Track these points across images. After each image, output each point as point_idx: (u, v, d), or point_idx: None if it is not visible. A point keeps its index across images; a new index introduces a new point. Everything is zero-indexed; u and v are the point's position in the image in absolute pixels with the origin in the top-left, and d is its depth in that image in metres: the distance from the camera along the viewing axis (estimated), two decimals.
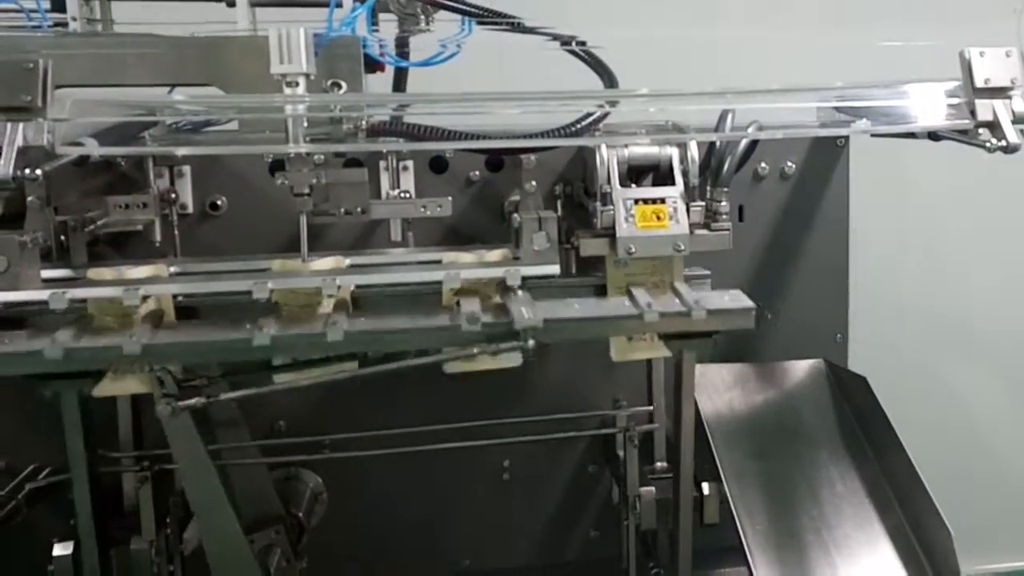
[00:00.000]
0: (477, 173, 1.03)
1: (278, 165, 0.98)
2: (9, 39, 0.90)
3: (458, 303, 0.77)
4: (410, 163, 1.00)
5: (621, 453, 0.99)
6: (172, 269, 0.79)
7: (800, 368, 1.06)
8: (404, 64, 1.07)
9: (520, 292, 0.77)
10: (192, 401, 0.72)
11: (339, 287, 0.75)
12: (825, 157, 1.11)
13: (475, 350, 0.74)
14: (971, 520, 0.88)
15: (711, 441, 0.94)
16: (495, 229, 1.00)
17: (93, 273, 0.75)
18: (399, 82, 1.12)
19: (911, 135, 0.88)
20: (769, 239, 1.09)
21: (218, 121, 1.01)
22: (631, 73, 0.95)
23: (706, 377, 1.01)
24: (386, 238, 0.97)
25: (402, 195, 0.96)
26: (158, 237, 0.88)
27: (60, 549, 0.84)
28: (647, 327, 0.77)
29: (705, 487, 0.91)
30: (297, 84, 0.76)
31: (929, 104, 0.82)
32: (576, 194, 0.97)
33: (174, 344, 0.71)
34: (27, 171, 0.67)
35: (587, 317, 0.77)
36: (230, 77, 0.92)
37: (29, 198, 0.74)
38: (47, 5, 1.00)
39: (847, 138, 1.09)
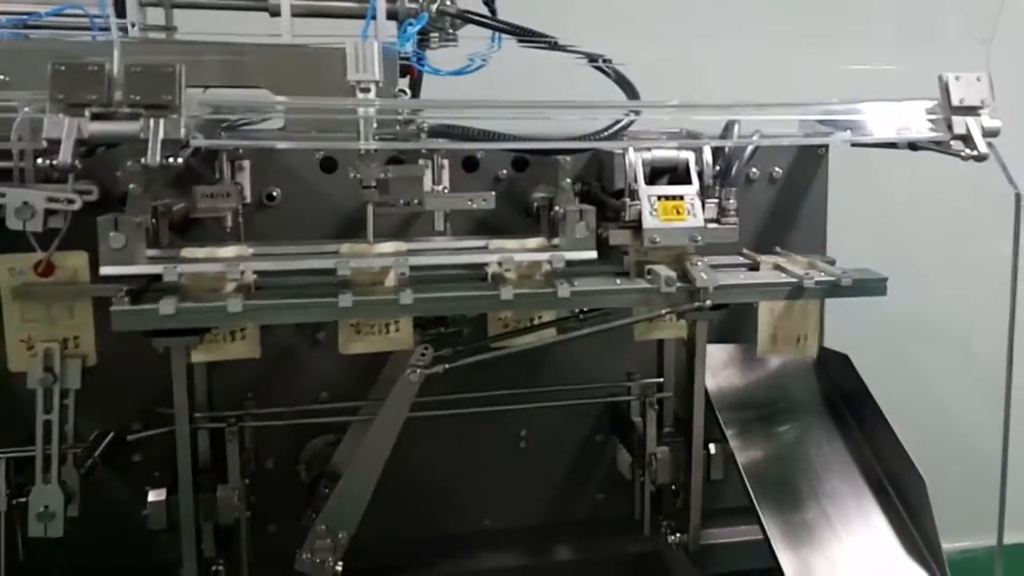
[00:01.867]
0: (504, 171, 1.15)
1: (329, 161, 1.09)
2: (98, 44, 0.99)
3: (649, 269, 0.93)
4: (446, 162, 1.11)
5: (637, 419, 1.12)
6: (251, 251, 0.89)
7: None
8: (441, 73, 1.18)
9: (700, 262, 0.96)
10: (436, 368, 0.86)
11: (409, 267, 0.86)
12: (808, 164, 1.26)
13: (664, 310, 0.91)
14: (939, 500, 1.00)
15: (715, 409, 1.08)
16: (519, 221, 1.12)
17: (187, 252, 0.85)
18: (414, 88, 1.22)
19: (892, 145, 1.04)
20: (758, 234, 1.24)
21: (254, 120, 1.10)
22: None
23: (707, 356, 1.15)
24: (421, 228, 1.08)
25: (443, 190, 1.07)
26: (229, 224, 0.97)
27: (154, 495, 0.91)
28: (803, 293, 0.96)
29: (712, 447, 1.05)
30: (369, 90, 0.86)
31: (909, 119, 0.99)
32: (593, 191, 1.09)
33: (439, 297, 0.86)
34: (170, 160, 0.76)
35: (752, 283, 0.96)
36: (278, 81, 1.02)
37: (131, 186, 0.83)
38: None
39: (827, 147, 1.25)
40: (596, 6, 1.42)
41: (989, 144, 0.96)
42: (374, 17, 1.14)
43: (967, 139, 0.95)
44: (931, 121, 0.98)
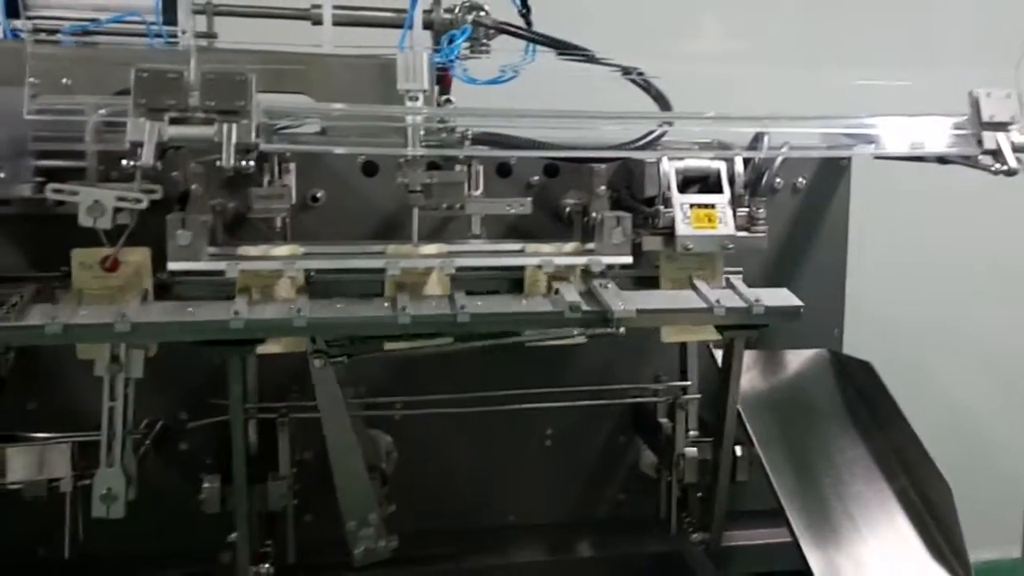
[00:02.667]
0: (536, 178, 1.19)
1: (371, 165, 1.13)
2: (163, 52, 1.05)
3: (551, 288, 0.94)
4: (481, 168, 1.15)
5: (663, 420, 1.15)
6: (303, 250, 0.93)
7: (806, 356, 1.24)
8: (478, 83, 1.22)
9: (610, 285, 0.94)
10: (340, 358, 0.86)
11: (455, 267, 0.90)
12: (831, 175, 1.30)
13: (575, 332, 0.92)
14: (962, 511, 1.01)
15: (741, 412, 1.10)
16: (549, 226, 1.15)
17: (242, 250, 0.89)
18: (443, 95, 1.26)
19: (920, 159, 1.08)
20: (781, 243, 1.27)
21: (294, 125, 1.14)
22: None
23: None
24: (456, 231, 1.11)
25: (479, 194, 1.11)
26: (279, 224, 1.01)
27: (208, 482, 0.96)
28: (715, 320, 0.95)
29: (738, 449, 1.08)
30: (417, 98, 0.91)
31: (934, 133, 1.02)
32: (623, 198, 1.12)
33: (334, 319, 0.86)
34: (243, 163, 0.81)
35: (661, 309, 0.95)
36: (318, 88, 1.07)
37: (193, 186, 0.88)
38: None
39: (850, 159, 1.29)
40: (614, 24, 1.47)
41: (1019, 159, 0.99)
42: (411, 27, 1.19)
43: (997, 154, 0.98)
44: (960, 136, 1.01)
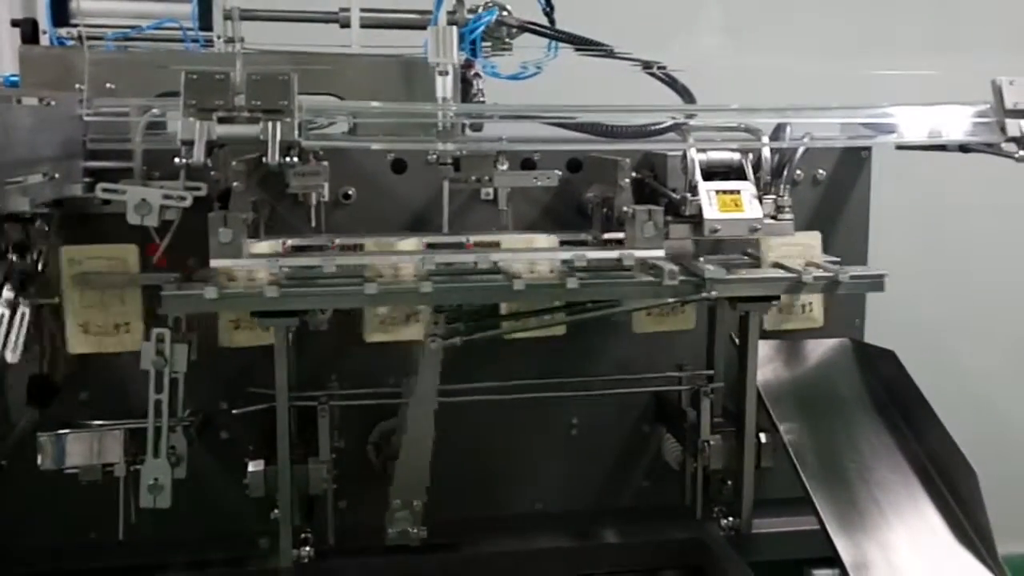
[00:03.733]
0: (559, 172, 1.21)
1: (399, 163, 1.17)
2: (200, 56, 1.09)
3: (652, 264, 0.99)
4: (507, 162, 1.18)
5: (688, 409, 1.17)
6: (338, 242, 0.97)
7: (828, 345, 1.25)
8: (502, 77, 1.25)
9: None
10: (454, 339, 0.92)
11: (489, 260, 0.94)
12: (851, 165, 1.30)
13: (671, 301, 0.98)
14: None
15: (764, 400, 1.12)
16: (573, 219, 1.18)
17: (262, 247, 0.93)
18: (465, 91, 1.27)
19: (942, 147, 1.08)
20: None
21: (323, 124, 1.18)
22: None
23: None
24: (481, 223, 1.13)
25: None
26: (313, 220, 1.05)
27: (253, 466, 1.00)
28: (803, 288, 1.02)
29: (762, 436, 1.09)
30: (447, 73, 0.94)
31: (953, 121, 1.03)
32: (647, 181, 1.14)
33: (454, 287, 0.93)
34: (287, 159, 0.85)
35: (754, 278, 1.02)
36: (346, 87, 1.11)
37: (235, 184, 0.91)
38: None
39: (870, 149, 1.29)
40: (633, 20, 1.48)
41: None
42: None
43: (1020, 141, 0.99)
44: (983, 124, 1.02)
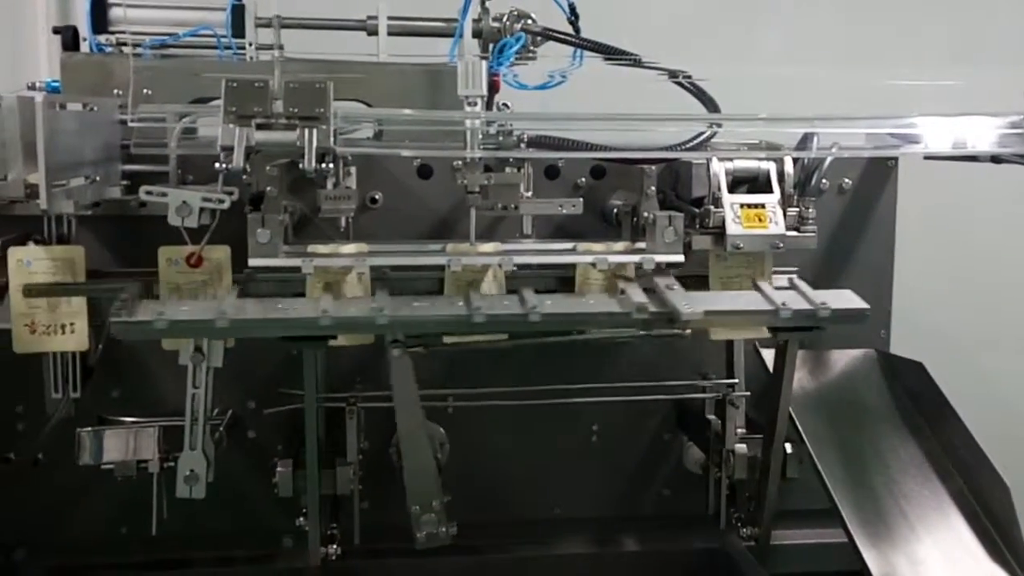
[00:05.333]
0: (583, 179, 1.22)
1: (426, 168, 1.18)
2: (233, 64, 1.12)
3: (616, 288, 0.97)
4: (531, 170, 1.19)
5: (711, 417, 1.17)
6: (368, 248, 0.99)
7: (854, 356, 1.24)
8: (526, 88, 1.26)
9: (676, 286, 0.97)
10: (417, 348, 0.92)
11: (514, 266, 0.95)
12: (877, 176, 1.29)
13: (640, 333, 0.95)
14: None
15: (791, 411, 1.10)
16: (596, 226, 1.18)
17: (311, 248, 0.95)
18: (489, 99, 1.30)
19: (973, 158, 1.07)
20: (827, 244, 1.27)
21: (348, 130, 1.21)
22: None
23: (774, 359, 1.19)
24: (506, 231, 1.14)
25: (529, 195, 1.15)
26: (343, 224, 1.07)
27: (282, 466, 1.01)
28: (780, 322, 0.96)
29: (788, 447, 1.08)
30: (476, 104, 0.95)
31: (991, 132, 1.01)
32: (669, 199, 1.14)
33: (412, 318, 0.91)
34: (321, 165, 0.87)
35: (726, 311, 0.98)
36: (374, 94, 1.13)
37: (268, 188, 0.94)
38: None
39: (897, 159, 1.28)
40: (650, 27, 1.49)
41: None
42: (461, 36, 1.24)
43: None
44: (1015, 135, 1.01)
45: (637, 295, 0.95)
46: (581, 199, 1.07)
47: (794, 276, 1.06)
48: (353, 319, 0.89)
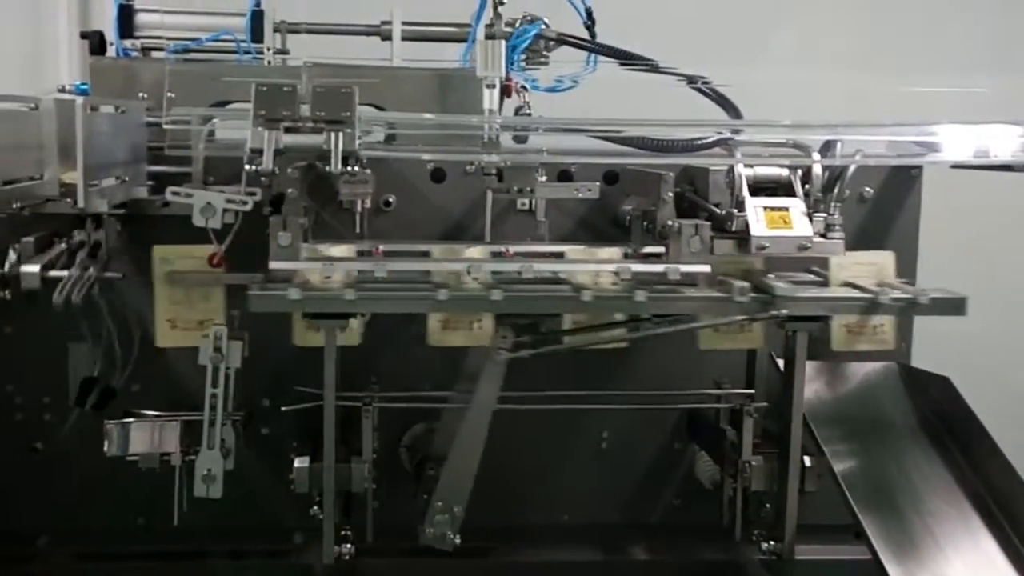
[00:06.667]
0: (596, 184, 1.22)
1: (439, 172, 1.19)
2: (251, 68, 1.14)
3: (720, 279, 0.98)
4: (544, 175, 1.19)
5: (727, 427, 1.15)
6: (384, 248, 0.99)
7: (874, 368, 1.21)
8: (541, 90, 1.26)
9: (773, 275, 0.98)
10: (522, 352, 0.94)
11: (534, 269, 0.95)
12: (901, 184, 1.27)
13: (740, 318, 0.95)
14: None
15: (809, 422, 1.08)
16: (608, 231, 1.18)
17: (324, 250, 0.96)
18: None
19: (1008, 167, 1.04)
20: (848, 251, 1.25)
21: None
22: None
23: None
24: (517, 232, 1.14)
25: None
26: (358, 227, 1.08)
27: (299, 462, 1.02)
28: (878, 310, 0.97)
29: (807, 460, 1.06)
30: (494, 85, 0.95)
31: (1017, 139, 0.99)
32: (688, 197, 1.12)
33: (529, 295, 0.93)
34: (350, 167, 0.88)
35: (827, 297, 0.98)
36: (388, 98, 1.14)
37: (289, 190, 0.95)
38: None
39: (921, 168, 1.26)
40: (668, 34, 1.47)
41: None
42: (474, 41, 1.25)
43: None
44: None
45: (737, 281, 0.95)
46: (597, 183, 1.06)
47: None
48: (468, 296, 0.92)
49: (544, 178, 1.06)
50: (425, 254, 1.00)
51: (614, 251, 1.03)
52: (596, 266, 0.99)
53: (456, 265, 0.96)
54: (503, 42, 0.98)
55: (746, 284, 0.95)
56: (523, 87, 1.14)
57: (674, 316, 0.99)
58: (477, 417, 0.97)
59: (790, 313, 0.95)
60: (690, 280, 0.98)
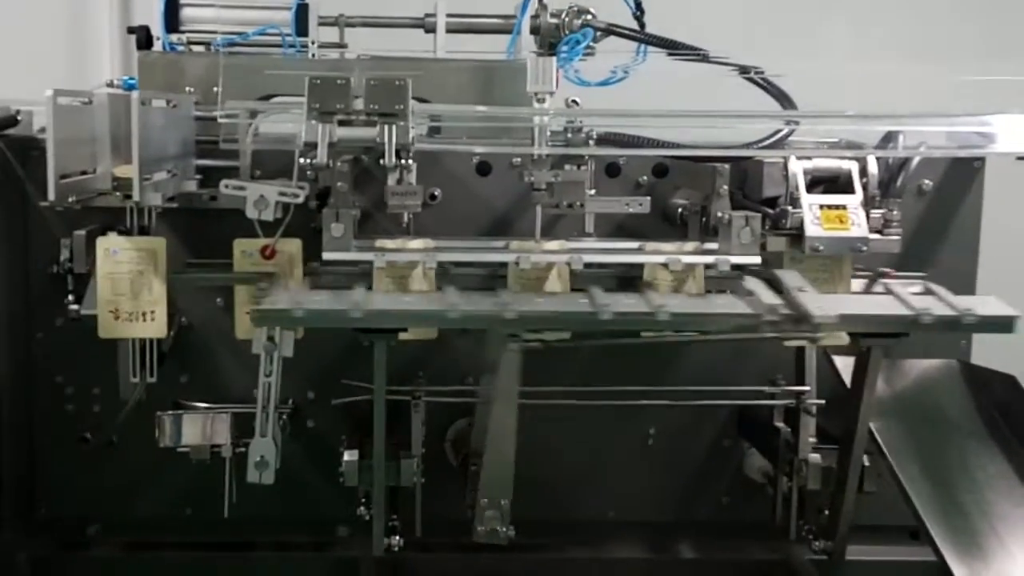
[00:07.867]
0: (645, 177, 1.19)
1: (484, 165, 1.18)
2: (297, 61, 1.13)
3: (750, 291, 0.93)
4: (592, 167, 1.16)
5: (781, 425, 1.12)
6: (434, 244, 0.98)
7: (934, 366, 1.16)
8: (591, 84, 1.24)
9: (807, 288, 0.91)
10: (535, 344, 0.91)
11: (582, 264, 0.93)
12: (962, 176, 1.22)
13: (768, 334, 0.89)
14: None
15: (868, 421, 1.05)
16: (657, 225, 1.15)
17: (379, 243, 0.96)
18: None
19: None
20: (906, 247, 1.17)
21: None
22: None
23: (850, 368, 1.13)
24: (565, 230, 1.11)
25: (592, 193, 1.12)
26: (405, 220, 1.07)
27: (348, 455, 1.02)
28: (920, 328, 0.89)
29: (865, 459, 1.03)
30: (545, 100, 0.94)
31: None
32: (736, 198, 1.08)
33: (543, 313, 0.89)
34: (401, 160, 0.88)
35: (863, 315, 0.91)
36: (432, 90, 1.13)
37: (338, 183, 0.95)
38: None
39: (984, 160, 1.20)
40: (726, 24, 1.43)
41: None
42: (519, 33, 1.23)
43: None
44: None
45: (767, 296, 0.90)
46: (648, 198, 1.04)
47: (928, 282, 0.99)
48: (479, 313, 0.89)
49: (592, 168, 1.02)
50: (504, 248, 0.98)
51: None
52: (642, 257, 0.97)
53: (540, 257, 0.93)
54: (553, 60, 0.96)
55: (776, 301, 0.89)
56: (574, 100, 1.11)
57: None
58: (502, 410, 0.96)
59: (823, 335, 0.88)
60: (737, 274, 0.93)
